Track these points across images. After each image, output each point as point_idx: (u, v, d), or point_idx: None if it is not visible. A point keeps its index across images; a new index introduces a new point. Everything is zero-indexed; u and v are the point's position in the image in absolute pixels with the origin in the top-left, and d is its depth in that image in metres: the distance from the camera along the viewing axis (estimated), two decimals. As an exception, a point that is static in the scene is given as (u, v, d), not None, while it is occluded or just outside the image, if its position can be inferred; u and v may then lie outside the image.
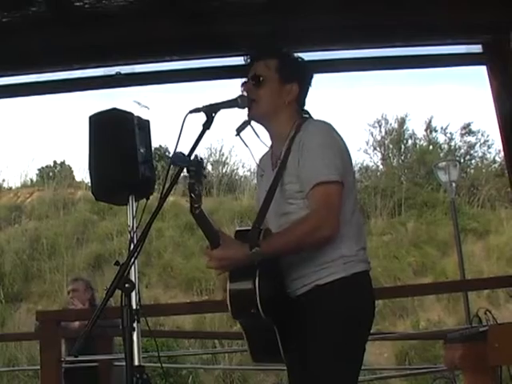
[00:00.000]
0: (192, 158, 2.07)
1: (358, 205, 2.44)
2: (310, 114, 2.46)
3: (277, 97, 2.39)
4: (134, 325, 2.27)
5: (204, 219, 2.12)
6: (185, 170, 2.07)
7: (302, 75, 2.46)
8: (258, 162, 2.54)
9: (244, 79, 2.44)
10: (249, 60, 2.46)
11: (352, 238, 2.30)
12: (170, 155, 2.13)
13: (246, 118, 2.40)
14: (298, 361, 2.25)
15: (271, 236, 2.25)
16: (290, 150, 2.32)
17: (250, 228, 2.29)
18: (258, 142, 2.47)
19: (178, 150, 2.08)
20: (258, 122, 2.43)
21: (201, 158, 2.09)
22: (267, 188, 2.34)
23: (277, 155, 2.41)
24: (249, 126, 2.41)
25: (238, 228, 2.36)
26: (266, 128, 2.45)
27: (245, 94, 2.39)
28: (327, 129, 2.35)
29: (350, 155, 2.39)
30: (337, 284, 2.23)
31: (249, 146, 2.38)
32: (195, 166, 2.06)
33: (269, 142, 2.49)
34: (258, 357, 2.34)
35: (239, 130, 2.37)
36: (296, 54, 2.53)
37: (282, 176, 2.32)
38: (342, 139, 2.37)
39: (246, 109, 2.38)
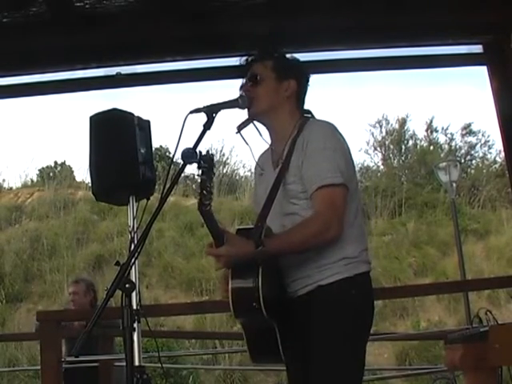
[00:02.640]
0: (203, 153, 2.05)
1: (360, 207, 2.46)
2: (312, 114, 2.47)
3: (275, 94, 2.40)
4: (135, 325, 2.27)
5: (212, 217, 2.11)
6: (187, 169, 2.05)
7: (298, 72, 2.48)
8: (256, 161, 2.53)
9: (243, 80, 2.45)
10: (245, 63, 2.47)
11: (355, 239, 2.31)
12: (171, 154, 2.11)
13: (247, 117, 2.41)
14: (298, 360, 2.25)
15: (276, 235, 2.26)
16: (292, 150, 2.32)
17: (251, 227, 2.29)
18: (259, 140, 2.47)
19: (186, 147, 2.05)
20: (258, 120, 2.44)
21: (212, 154, 2.08)
22: (268, 187, 2.34)
23: (278, 154, 2.40)
24: (251, 124, 2.41)
25: (239, 227, 2.34)
26: (266, 126, 2.46)
27: (244, 94, 2.39)
28: (332, 130, 2.35)
29: (352, 158, 2.40)
30: (339, 284, 2.24)
31: (249, 143, 2.38)
32: (207, 162, 2.04)
33: (269, 140, 2.48)
34: (258, 358, 2.33)
35: (240, 128, 2.37)
36: (291, 55, 2.55)
37: (284, 176, 2.32)
38: (345, 141, 2.37)
39: (247, 109, 2.38)
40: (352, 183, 2.32)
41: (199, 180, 2.03)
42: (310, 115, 2.46)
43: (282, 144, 2.39)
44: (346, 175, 2.27)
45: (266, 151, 2.53)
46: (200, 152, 2.06)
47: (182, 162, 2.08)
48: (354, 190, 2.34)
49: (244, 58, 2.49)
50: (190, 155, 2.04)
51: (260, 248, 2.12)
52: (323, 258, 2.26)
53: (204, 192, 2.02)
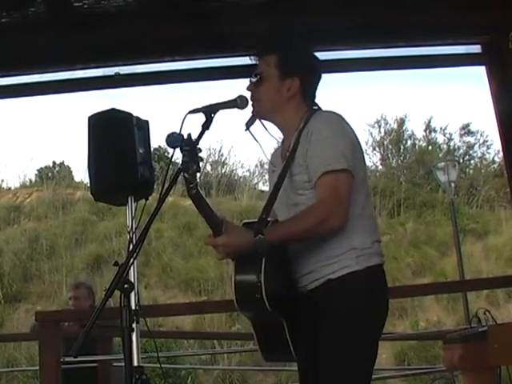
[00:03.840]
0: (185, 137, 2.05)
1: (370, 198, 2.41)
2: (319, 107, 2.43)
3: (277, 94, 2.37)
4: (133, 325, 2.27)
5: (202, 201, 2.08)
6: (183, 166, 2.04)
7: (303, 67, 2.41)
8: (269, 158, 2.51)
9: (245, 79, 2.45)
10: (254, 60, 2.45)
11: (365, 230, 2.26)
12: (170, 155, 2.12)
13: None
14: (308, 357, 2.22)
15: (277, 224, 2.22)
16: (298, 142, 2.29)
17: (256, 220, 2.25)
18: (268, 136, 2.44)
19: (170, 132, 2.05)
20: (264, 120, 2.42)
21: (195, 139, 2.08)
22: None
23: (286, 148, 2.38)
24: (257, 120, 2.39)
25: (245, 221, 2.29)
26: (274, 124, 2.43)
27: (249, 94, 2.37)
28: (337, 119, 2.32)
29: (361, 147, 2.36)
30: (350, 278, 2.18)
31: (259, 140, 2.36)
32: (189, 144, 2.04)
33: (278, 136, 2.46)
34: (269, 356, 2.30)
35: (248, 125, 2.36)
36: (301, 45, 2.50)
37: (290, 167, 2.29)
38: (352, 130, 2.33)
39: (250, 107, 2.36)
40: (359, 172, 2.27)
41: (181, 163, 2.03)
42: (317, 108, 2.41)
43: (289, 138, 2.37)
44: (351, 161, 2.21)
45: (277, 148, 2.51)
46: (182, 135, 2.05)
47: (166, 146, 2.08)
48: (361, 180, 2.28)
49: (253, 56, 2.44)
50: (172, 140, 2.05)
51: (259, 236, 2.08)
52: (331, 250, 2.20)
53: (185, 175, 2.01)
